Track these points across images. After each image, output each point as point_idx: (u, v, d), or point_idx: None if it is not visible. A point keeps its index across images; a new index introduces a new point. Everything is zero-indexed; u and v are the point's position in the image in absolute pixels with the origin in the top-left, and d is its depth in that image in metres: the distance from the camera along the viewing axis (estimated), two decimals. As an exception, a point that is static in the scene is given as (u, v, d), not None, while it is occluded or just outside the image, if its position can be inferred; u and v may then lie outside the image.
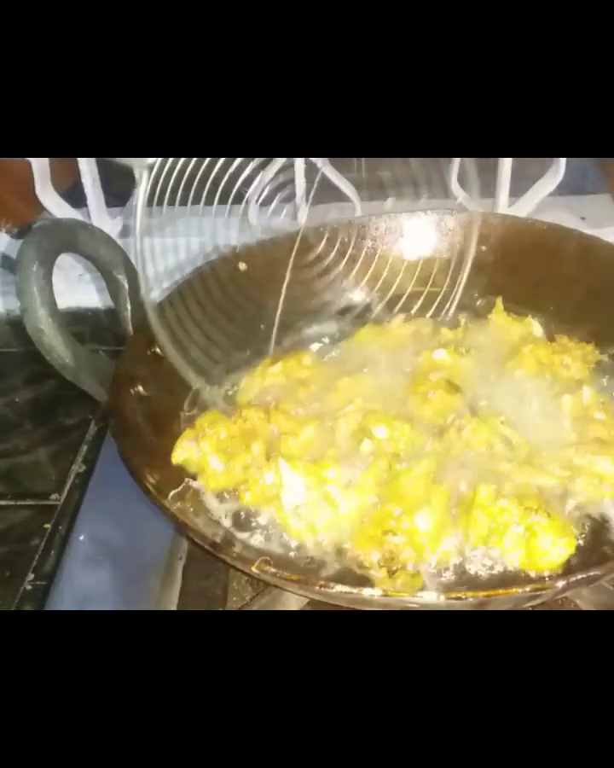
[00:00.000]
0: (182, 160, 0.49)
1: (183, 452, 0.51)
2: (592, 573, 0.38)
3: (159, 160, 0.48)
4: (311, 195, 0.73)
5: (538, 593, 0.38)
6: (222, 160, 0.53)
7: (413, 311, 0.63)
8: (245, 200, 0.78)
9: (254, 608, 0.49)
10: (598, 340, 0.58)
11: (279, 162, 0.78)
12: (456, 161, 0.79)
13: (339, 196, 0.82)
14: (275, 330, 0.61)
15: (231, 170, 0.55)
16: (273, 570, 0.39)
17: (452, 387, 0.55)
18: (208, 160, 0.52)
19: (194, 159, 0.50)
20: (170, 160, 0.49)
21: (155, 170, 0.48)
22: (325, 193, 0.83)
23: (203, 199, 0.54)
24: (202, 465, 0.51)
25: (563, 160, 0.76)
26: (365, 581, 0.43)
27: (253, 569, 0.39)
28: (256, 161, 0.60)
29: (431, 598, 0.38)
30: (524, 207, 0.80)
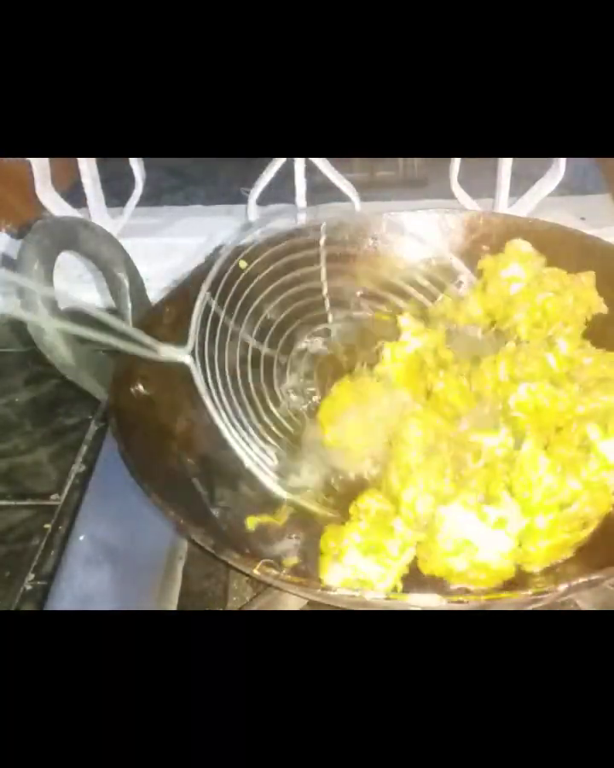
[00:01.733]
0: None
1: (334, 577, 0.45)
2: (594, 578, 0.38)
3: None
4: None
5: (540, 597, 0.38)
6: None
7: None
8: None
9: (254, 608, 0.49)
10: (596, 340, 0.58)
11: (279, 162, 0.78)
12: (456, 161, 0.79)
13: (339, 196, 0.82)
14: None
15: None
16: (274, 572, 0.39)
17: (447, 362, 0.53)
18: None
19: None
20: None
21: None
22: (325, 193, 0.84)
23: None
24: (360, 579, 0.45)
25: (563, 160, 0.77)
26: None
27: (255, 571, 0.39)
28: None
29: (432, 602, 0.38)
30: (524, 207, 0.80)
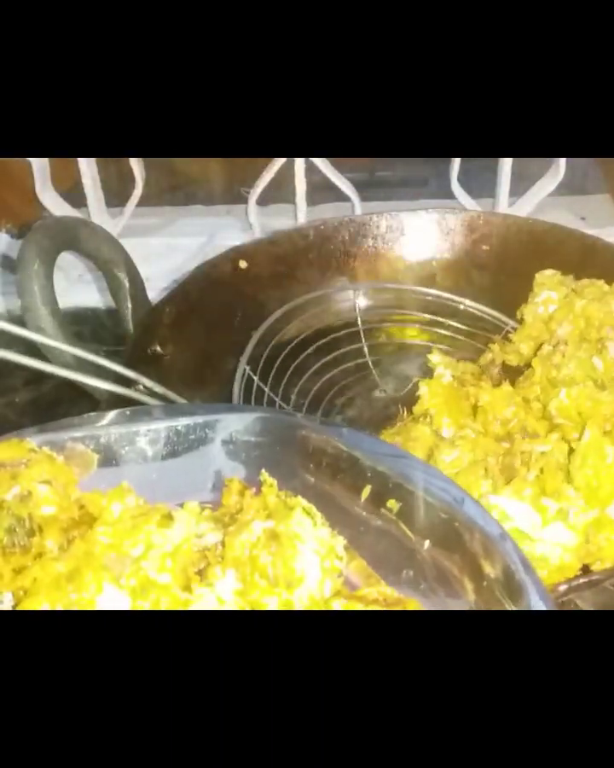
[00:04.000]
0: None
1: None
2: (594, 578, 0.38)
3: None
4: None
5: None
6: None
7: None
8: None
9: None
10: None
11: (279, 162, 0.78)
12: (456, 161, 0.79)
13: (339, 196, 0.82)
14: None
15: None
16: None
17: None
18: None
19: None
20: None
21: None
22: (325, 193, 0.84)
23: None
24: None
25: (563, 160, 0.77)
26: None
27: None
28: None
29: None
30: (524, 207, 0.80)
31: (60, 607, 0.31)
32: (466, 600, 0.33)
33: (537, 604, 0.31)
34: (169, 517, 0.34)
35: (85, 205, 0.85)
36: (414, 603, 0.33)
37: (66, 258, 0.66)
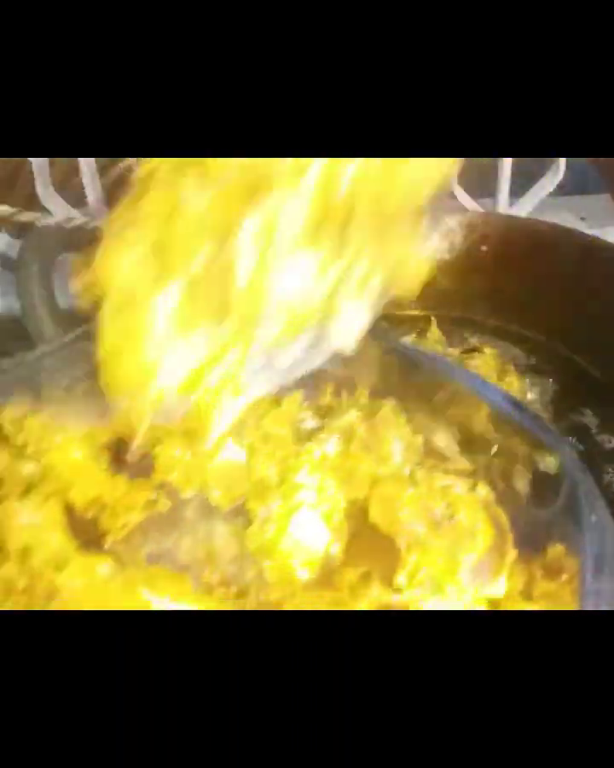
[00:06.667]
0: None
1: None
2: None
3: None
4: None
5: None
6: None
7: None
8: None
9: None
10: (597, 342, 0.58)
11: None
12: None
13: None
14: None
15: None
16: None
17: None
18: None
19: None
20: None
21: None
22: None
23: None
24: None
25: (563, 160, 0.77)
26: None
27: None
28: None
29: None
30: (524, 207, 0.80)
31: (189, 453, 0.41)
32: (524, 492, 0.41)
33: (580, 499, 0.37)
34: (277, 401, 0.42)
35: (85, 205, 0.85)
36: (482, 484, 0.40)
37: (66, 259, 0.66)
